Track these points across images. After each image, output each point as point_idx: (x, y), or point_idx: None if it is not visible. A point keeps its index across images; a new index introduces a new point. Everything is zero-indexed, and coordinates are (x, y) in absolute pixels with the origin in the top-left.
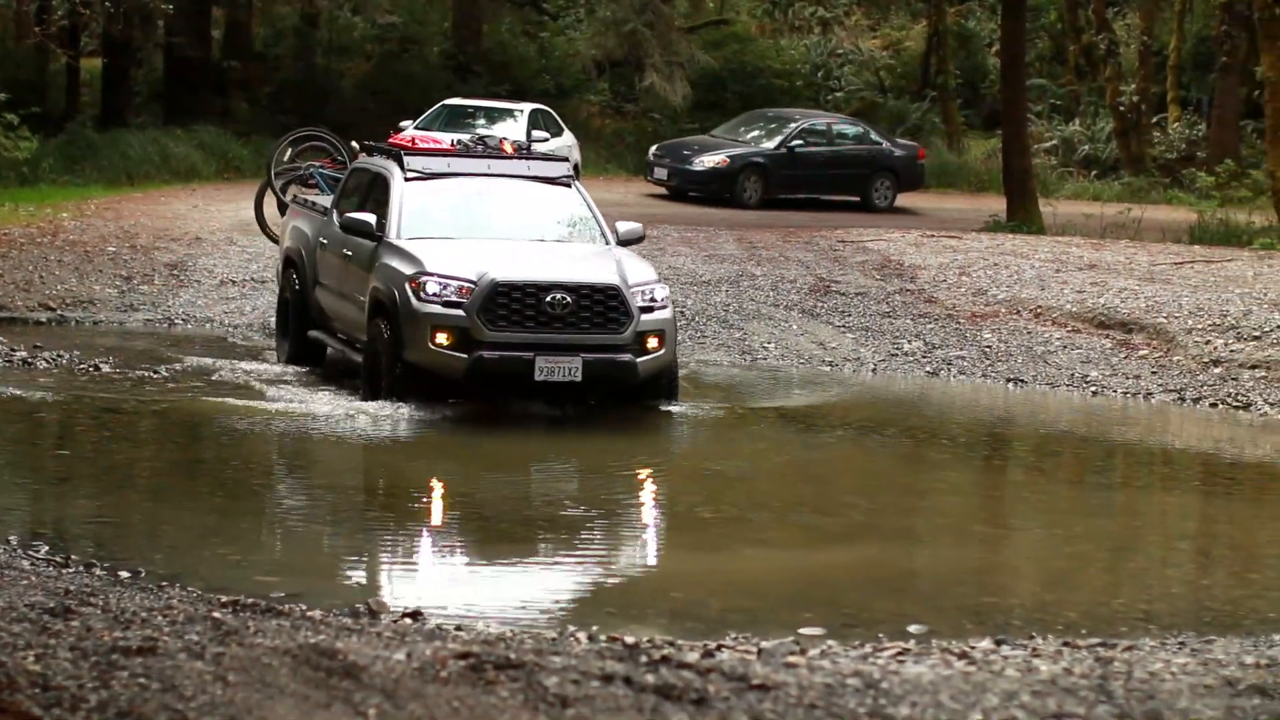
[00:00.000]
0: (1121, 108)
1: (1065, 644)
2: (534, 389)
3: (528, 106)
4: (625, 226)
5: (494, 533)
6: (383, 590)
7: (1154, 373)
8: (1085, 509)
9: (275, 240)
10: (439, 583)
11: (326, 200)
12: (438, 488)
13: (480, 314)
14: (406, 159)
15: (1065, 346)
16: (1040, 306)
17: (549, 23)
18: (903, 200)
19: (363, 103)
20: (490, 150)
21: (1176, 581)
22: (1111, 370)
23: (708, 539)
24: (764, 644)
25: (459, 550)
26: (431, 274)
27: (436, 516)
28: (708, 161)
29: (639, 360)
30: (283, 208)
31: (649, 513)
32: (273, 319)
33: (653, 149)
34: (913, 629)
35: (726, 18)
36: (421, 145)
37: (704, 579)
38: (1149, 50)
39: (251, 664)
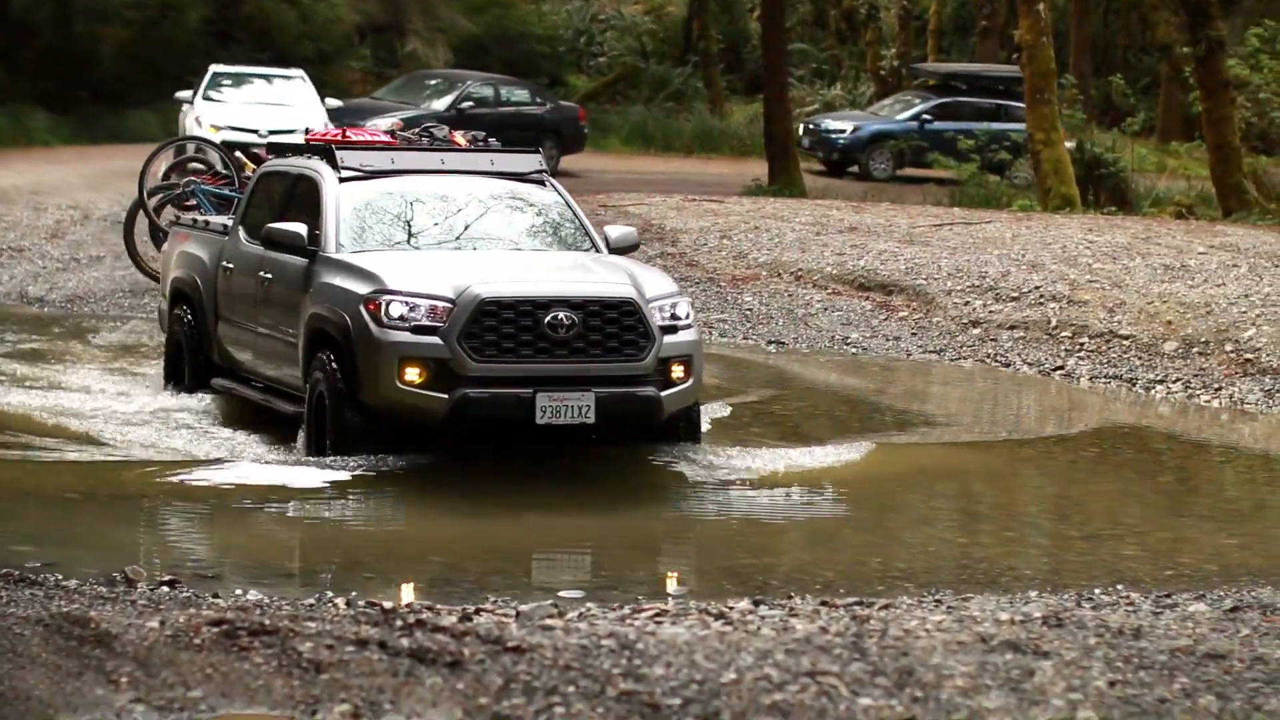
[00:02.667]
0: (882, 72)
1: (823, 603)
2: (534, 434)
3: (297, 72)
4: (617, 231)
5: (257, 501)
6: (140, 560)
7: (914, 334)
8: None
9: (154, 276)
10: (197, 551)
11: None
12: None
13: (463, 341)
14: (340, 154)
15: (826, 309)
16: (801, 269)
17: None
18: (567, 163)
19: (124, 70)
20: (440, 142)
21: (936, 540)
22: (872, 332)
23: (464, 504)
24: (522, 607)
25: (218, 519)
26: (395, 293)
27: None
28: (381, 125)
29: (664, 394)
30: (156, 234)
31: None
32: (31, 288)
33: None
34: (671, 590)
35: None
36: (354, 138)
37: (465, 544)
38: (909, 15)
39: (2, 634)
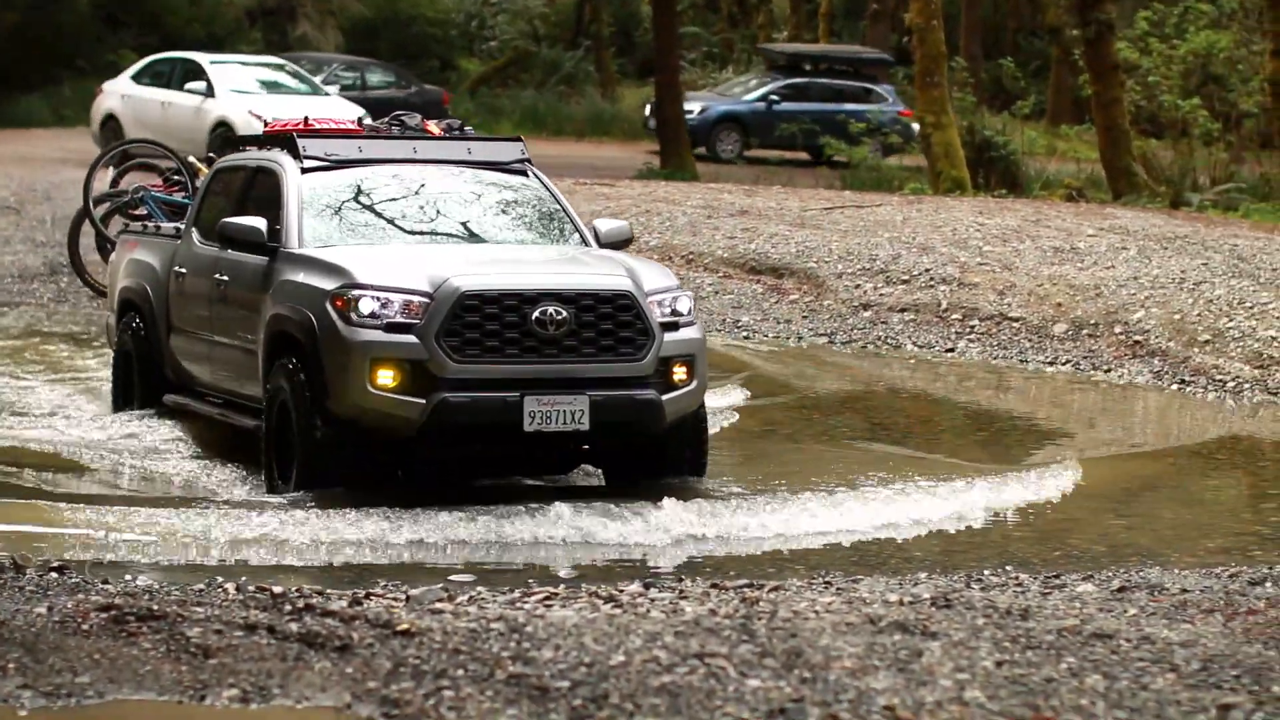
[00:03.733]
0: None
1: (713, 585)
2: (520, 445)
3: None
4: (608, 225)
5: (151, 485)
6: (30, 545)
7: (805, 317)
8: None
9: (100, 290)
10: (87, 537)
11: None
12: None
13: (441, 339)
14: (302, 143)
15: (717, 292)
16: (692, 252)
17: None
18: None
19: (12, 55)
20: (411, 130)
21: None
22: (763, 315)
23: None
24: (412, 591)
25: (114, 503)
26: (365, 286)
27: (93, 472)
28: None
29: (664, 398)
30: (103, 245)
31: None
32: None
33: None
34: (562, 574)
35: None
36: (317, 126)
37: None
38: None
39: None
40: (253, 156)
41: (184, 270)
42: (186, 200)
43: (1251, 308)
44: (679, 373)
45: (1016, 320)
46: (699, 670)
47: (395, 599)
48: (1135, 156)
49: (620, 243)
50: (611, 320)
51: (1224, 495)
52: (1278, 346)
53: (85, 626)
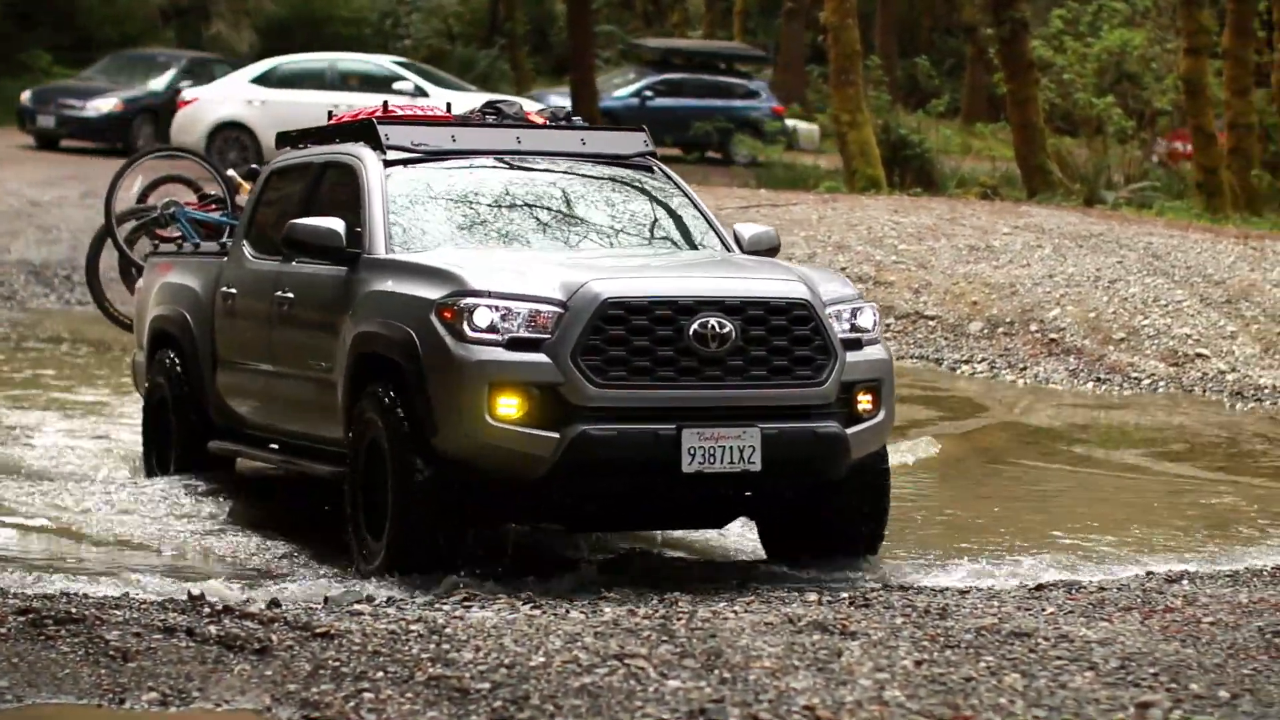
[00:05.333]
0: None
1: (630, 586)
2: (675, 490)
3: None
4: (751, 230)
5: (74, 492)
6: None
7: None
8: None
9: (125, 323)
10: (7, 541)
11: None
12: None
13: (579, 358)
14: (384, 130)
15: None
16: None
17: None
18: None
19: None
20: (511, 119)
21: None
22: None
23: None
24: (330, 593)
25: (35, 508)
26: (482, 294)
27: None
28: (103, 107)
29: (849, 432)
30: (128, 269)
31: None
32: None
33: (25, 95)
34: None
35: None
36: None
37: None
38: None
39: None
40: (317, 152)
41: (233, 291)
42: (225, 220)
43: (1166, 305)
44: (863, 401)
45: (932, 318)
46: (619, 671)
47: (313, 601)
48: (1050, 154)
49: (766, 251)
50: (785, 335)
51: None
52: (1192, 344)
53: (2, 630)
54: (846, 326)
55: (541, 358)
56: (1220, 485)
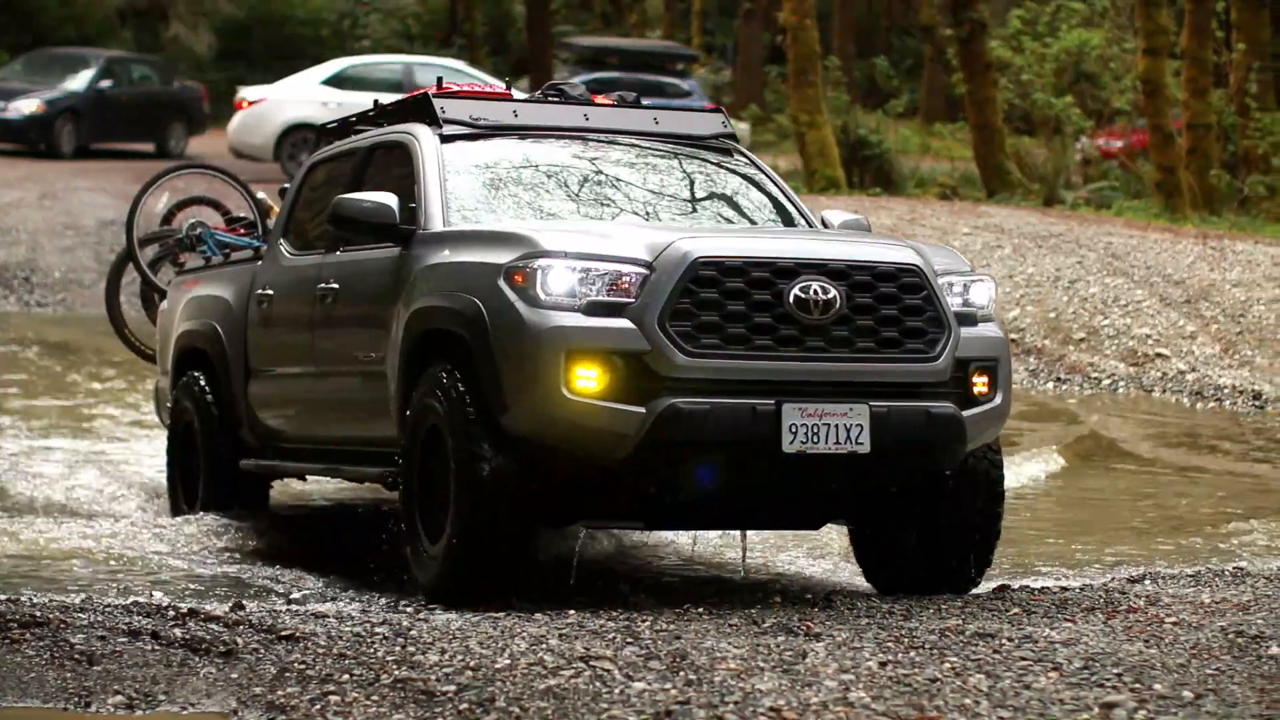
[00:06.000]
0: None
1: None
2: (776, 474)
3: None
4: (841, 216)
5: (40, 502)
6: None
7: None
8: None
9: (147, 354)
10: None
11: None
12: None
13: (668, 323)
14: (439, 104)
15: None
16: None
17: None
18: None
19: None
20: (575, 100)
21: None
22: None
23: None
24: (294, 595)
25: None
26: (556, 254)
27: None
28: (25, 109)
29: (965, 414)
30: (151, 299)
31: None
32: None
33: None
34: None
35: None
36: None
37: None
38: None
39: None
40: (364, 137)
41: (270, 293)
42: (255, 244)
43: (1126, 305)
44: (979, 382)
45: None
46: (585, 673)
47: (276, 605)
48: (1009, 154)
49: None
50: (895, 304)
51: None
52: (1152, 344)
53: None
54: (959, 300)
55: (625, 323)
56: (1181, 486)
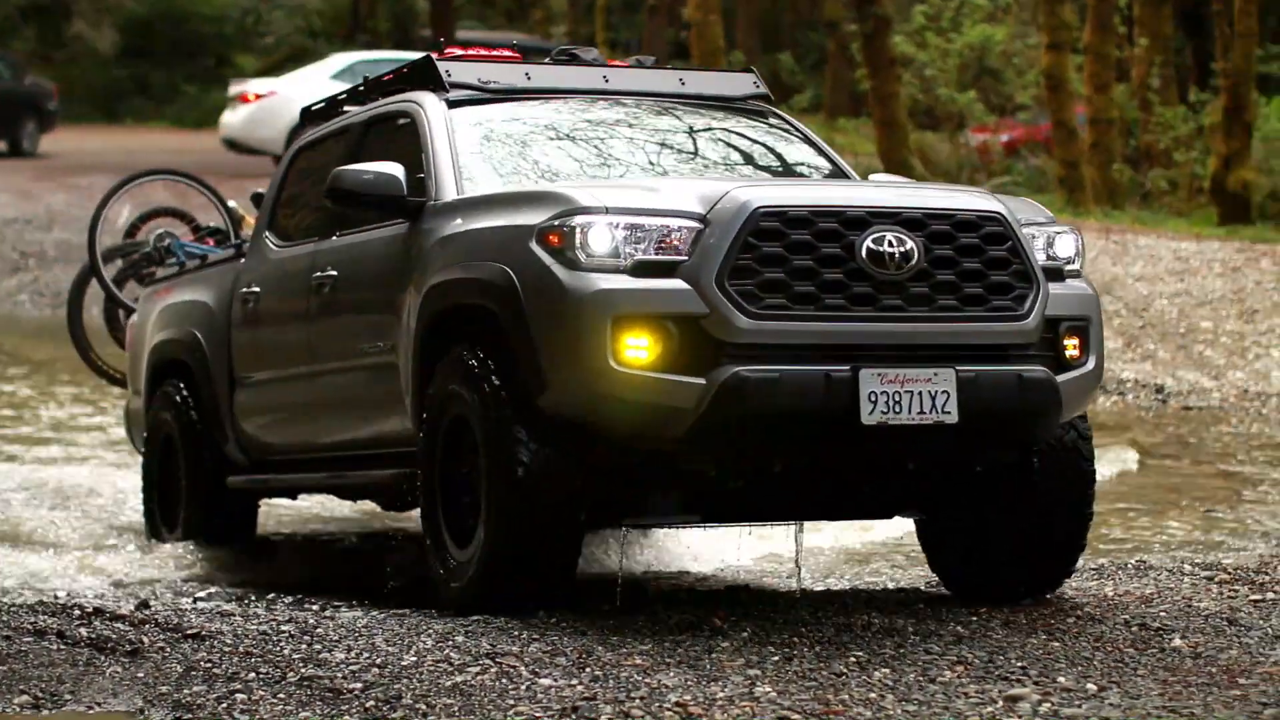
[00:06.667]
0: None
1: None
2: (853, 449)
3: None
4: (886, 179)
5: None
6: None
7: None
8: None
9: (116, 378)
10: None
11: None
12: None
13: (727, 282)
14: (444, 67)
15: None
16: None
17: None
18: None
19: None
20: (591, 61)
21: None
22: None
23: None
24: (199, 594)
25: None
26: (595, 209)
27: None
28: None
29: (1059, 379)
30: (115, 316)
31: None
32: None
33: None
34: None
35: None
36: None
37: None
38: None
39: None
40: (358, 112)
41: (256, 290)
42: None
43: None
44: (1069, 345)
45: None
46: (491, 669)
47: (183, 603)
48: (912, 150)
49: None
50: (977, 256)
51: None
52: None
53: None
54: (1043, 254)
55: (678, 284)
56: None
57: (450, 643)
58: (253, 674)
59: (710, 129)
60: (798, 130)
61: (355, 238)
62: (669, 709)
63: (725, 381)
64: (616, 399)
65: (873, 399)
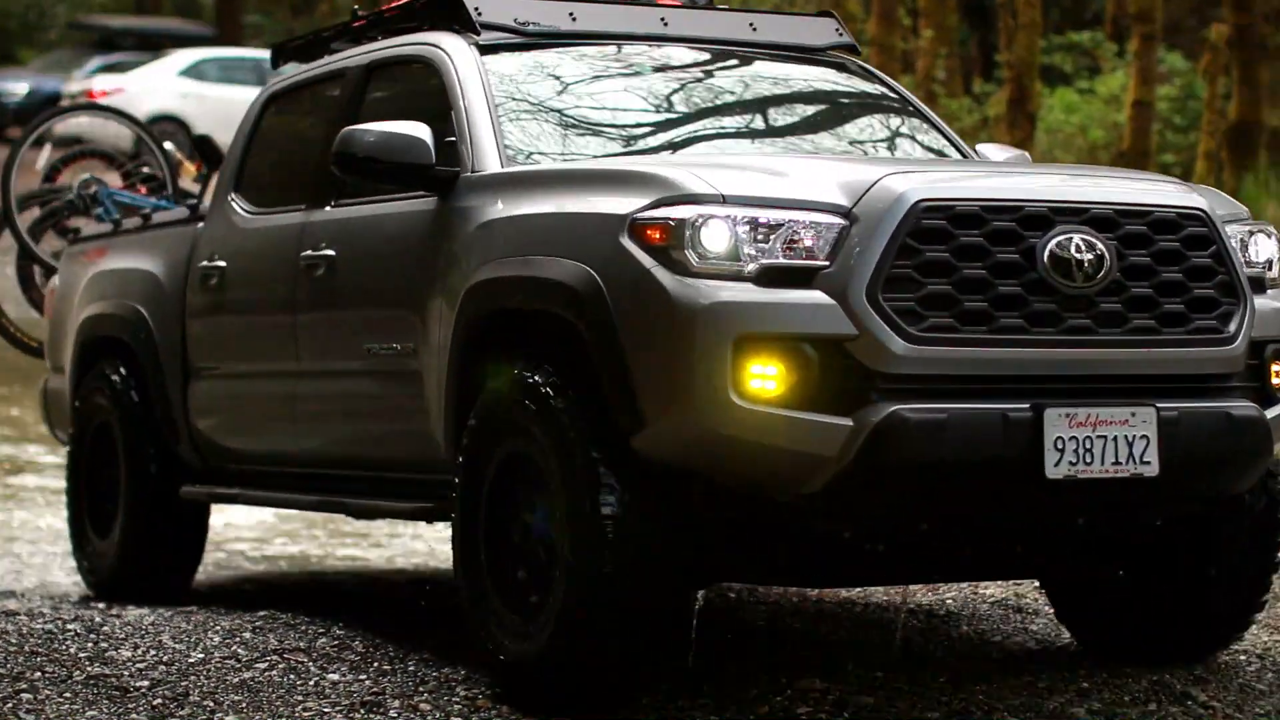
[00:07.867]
0: None
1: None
2: (1034, 510)
3: None
4: (1002, 153)
5: None
6: None
7: None
8: None
9: (32, 347)
10: None
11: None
12: None
13: (880, 295)
14: (473, 5)
15: None
16: None
17: None
18: None
19: None
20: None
21: None
22: None
23: None
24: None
25: None
26: (710, 198)
27: None
28: None
29: (1270, 416)
30: (30, 276)
31: None
32: None
33: None
34: None
35: None
36: None
37: None
38: None
39: None
40: (355, 53)
41: (220, 264)
42: (163, 205)
43: None
44: (1277, 373)
45: None
46: (279, 665)
47: None
48: None
49: None
50: (1178, 264)
51: None
52: None
53: None
54: (1240, 260)
55: (818, 296)
56: None
57: (238, 639)
58: (38, 673)
59: (801, 89)
60: (895, 91)
61: (358, 210)
62: (458, 702)
63: (879, 424)
64: (737, 442)
65: (1059, 446)
